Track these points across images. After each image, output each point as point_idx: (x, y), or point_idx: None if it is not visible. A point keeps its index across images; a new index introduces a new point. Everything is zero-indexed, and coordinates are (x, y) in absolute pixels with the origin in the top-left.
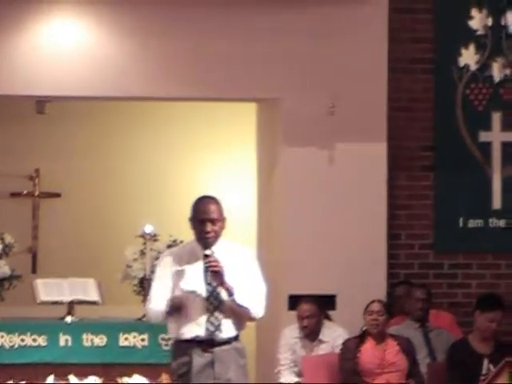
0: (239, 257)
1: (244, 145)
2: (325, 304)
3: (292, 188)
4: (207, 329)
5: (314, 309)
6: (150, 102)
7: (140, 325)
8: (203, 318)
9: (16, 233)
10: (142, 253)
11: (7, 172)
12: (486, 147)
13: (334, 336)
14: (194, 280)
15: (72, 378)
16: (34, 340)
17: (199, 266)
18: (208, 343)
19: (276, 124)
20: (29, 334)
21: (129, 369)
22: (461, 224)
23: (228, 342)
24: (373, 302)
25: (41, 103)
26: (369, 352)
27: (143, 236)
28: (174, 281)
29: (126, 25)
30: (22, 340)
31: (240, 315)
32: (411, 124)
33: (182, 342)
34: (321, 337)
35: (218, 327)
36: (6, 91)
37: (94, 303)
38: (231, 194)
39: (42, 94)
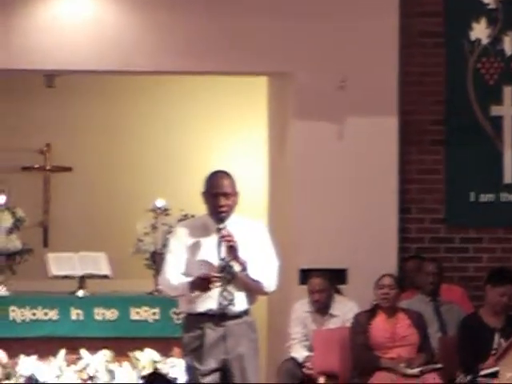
0: (251, 232)
1: (255, 119)
2: (336, 278)
3: (303, 162)
4: (220, 303)
5: (325, 283)
6: (159, 75)
7: (151, 299)
8: (216, 292)
9: (27, 207)
10: (154, 227)
11: (18, 146)
12: (498, 121)
13: (344, 310)
14: (207, 253)
15: (83, 352)
16: (46, 314)
17: (212, 239)
18: (220, 317)
19: (287, 98)
20: (40, 307)
21: (140, 343)
22: (472, 198)
23: (240, 316)
24: (384, 276)
25: (50, 77)
26: (380, 326)
27: (154, 210)
28: (187, 253)
29: None
30: (34, 314)
31: (252, 289)
32: (422, 98)
33: (193, 315)
34: (331, 311)
35: (230, 301)
36: (15, 66)
37: (105, 277)
38: (242, 169)
39: (50, 68)
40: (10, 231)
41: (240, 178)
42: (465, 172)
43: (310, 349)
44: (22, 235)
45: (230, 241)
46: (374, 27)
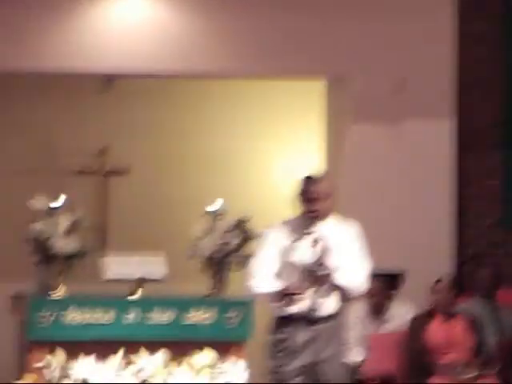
0: (345, 234)
1: (312, 123)
2: (392, 281)
3: (360, 166)
4: (310, 305)
5: (382, 286)
6: (218, 79)
7: (207, 302)
8: (307, 295)
9: (85, 209)
10: (209, 230)
11: (76, 149)
12: None
13: (400, 313)
14: (299, 256)
15: (140, 355)
16: (102, 316)
17: (304, 242)
18: (310, 319)
19: (345, 102)
20: (97, 310)
21: (196, 345)
22: None
23: (329, 319)
24: (440, 280)
25: (108, 80)
26: (435, 330)
27: (210, 213)
28: (278, 256)
29: (195, 0)
30: (90, 316)
31: (342, 294)
32: (480, 101)
33: (283, 317)
34: (388, 314)
35: (321, 304)
36: (73, 69)
37: (161, 280)
38: (298, 173)
39: (109, 71)
40: (68, 233)
41: (297, 183)
42: None
43: (366, 352)
44: (80, 238)
45: (322, 245)
46: (430, 29)
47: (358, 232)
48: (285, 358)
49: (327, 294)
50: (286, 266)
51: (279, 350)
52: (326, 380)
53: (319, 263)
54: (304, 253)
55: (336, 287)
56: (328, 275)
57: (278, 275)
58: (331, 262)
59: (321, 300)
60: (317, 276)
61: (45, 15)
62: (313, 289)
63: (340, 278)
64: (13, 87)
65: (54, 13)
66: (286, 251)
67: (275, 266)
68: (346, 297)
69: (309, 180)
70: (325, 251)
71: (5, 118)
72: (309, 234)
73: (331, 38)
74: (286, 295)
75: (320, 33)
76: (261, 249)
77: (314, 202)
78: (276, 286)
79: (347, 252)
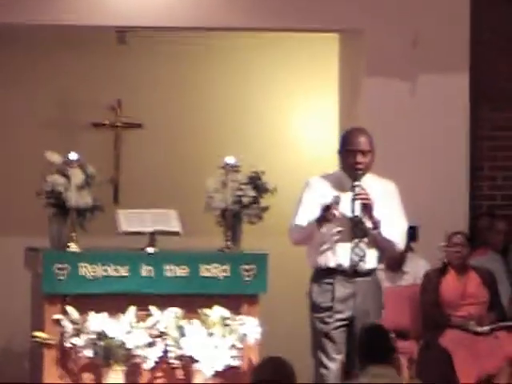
0: (384, 191)
1: (325, 77)
2: (407, 235)
3: (374, 120)
4: (351, 259)
5: None
6: (229, 32)
7: (221, 256)
8: (348, 248)
9: (98, 164)
10: (224, 184)
11: (89, 102)
12: None
13: (416, 267)
14: (342, 209)
15: (153, 309)
16: (116, 271)
17: (346, 196)
18: (351, 273)
19: (359, 55)
20: (111, 264)
21: (210, 300)
22: None
23: (369, 273)
24: (455, 233)
25: (122, 33)
26: (450, 284)
27: (224, 167)
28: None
29: None
30: (104, 271)
31: (383, 248)
32: (494, 54)
33: (324, 270)
34: (403, 268)
35: (362, 258)
36: (86, 21)
37: (175, 234)
38: (313, 127)
39: (122, 24)
40: (81, 188)
41: (311, 137)
42: None
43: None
44: (93, 192)
45: (366, 199)
46: None
47: (396, 189)
48: (325, 312)
49: (368, 248)
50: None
51: (320, 302)
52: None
53: (362, 216)
54: (345, 206)
55: (377, 242)
56: (369, 229)
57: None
58: (374, 217)
59: (362, 253)
60: (360, 228)
61: None
62: (355, 241)
63: (384, 234)
64: (27, 41)
65: None
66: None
67: (314, 214)
68: (385, 252)
69: (354, 133)
70: (367, 206)
71: (18, 72)
72: (353, 187)
73: None
74: (324, 211)
75: None
76: (302, 199)
77: (359, 155)
78: (311, 218)
79: (388, 208)
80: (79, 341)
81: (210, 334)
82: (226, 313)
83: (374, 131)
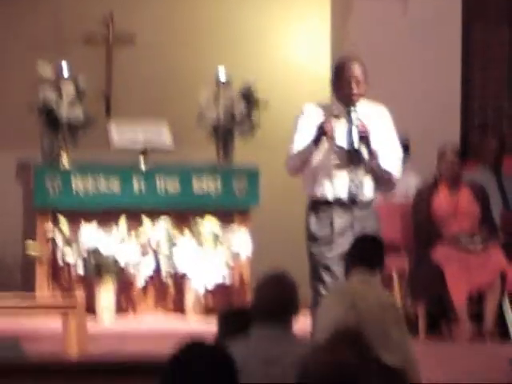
0: (378, 117)
1: None
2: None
3: (366, 39)
4: (349, 189)
5: None
6: None
7: (213, 169)
8: (345, 178)
9: (90, 78)
10: (216, 98)
11: (81, 16)
12: None
13: (408, 182)
14: (337, 137)
15: (144, 221)
16: (108, 185)
17: (342, 123)
18: (348, 204)
19: None
20: (102, 179)
21: (202, 214)
22: None
23: (366, 206)
24: (447, 148)
25: None
26: (442, 199)
27: (217, 81)
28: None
29: None
30: (96, 185)
31: (381, 179)
32: None
33: (321, 201)
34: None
35: (358, 186)
36: None
37: (167, 148)
38: (305, 46)
39: None
40: (73, 102)
41: (302, 56)
42: None
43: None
44: (85, 106)
45: (363, 132)
46: None
47: (388, 113)
48: (325, 246)
49: (365, 176)
50: (324, 149)
51: (319, 235)
52: None
53: (359, 146)
54: (341, 134)
55: (374, 172)
56: (366, 158)
57: (318, 160)
58: (371, 147)
59: (358, 182)
60: (356, 158)
61: None
62: (352, 171)
63: (381, 164)
64: None
65: None
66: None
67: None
68: (381, 183)
69: (347, 62)
70: (364, 136)
71: None
72: (347, 113)
73: None
74: (320, 128)
75: None
76: (297, 125)
77: (353, 84)
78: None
79: (382, 133)
80: (71, 258)
81: (203, 248)
82: (217, 225)
83: (366, 50)
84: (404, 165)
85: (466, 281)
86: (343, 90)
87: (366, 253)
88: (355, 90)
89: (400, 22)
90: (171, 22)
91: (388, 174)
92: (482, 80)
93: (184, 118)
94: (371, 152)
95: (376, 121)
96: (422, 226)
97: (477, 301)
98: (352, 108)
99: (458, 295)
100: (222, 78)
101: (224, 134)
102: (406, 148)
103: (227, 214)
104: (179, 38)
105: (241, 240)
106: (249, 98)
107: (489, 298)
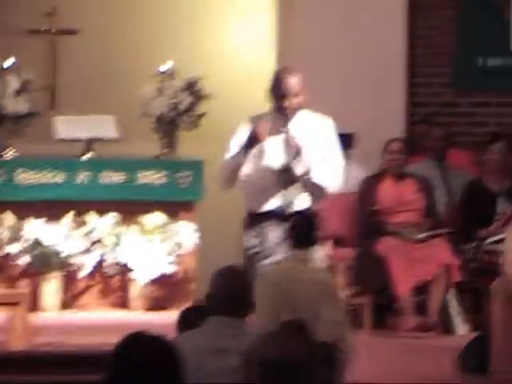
0: (319, 128)
1: None
2: (343, 142)
3: (310, 25)
4: (280, 205)
5: None
6: None
7: (158, 162)
8: (277, 194)
9: (34, 70)
10: (160, 90)
11: (26, 8)
12: None
13: (353, 174)
14: (270, 154)
15: (90, 215)
16: (52, 177)
17: (276, 140)
18: (282, 216)
19: None
20: (47, 171)
21: (147, 207)
22: (480, 63)
23: (302, 212)
24: (392, 140)
25: None
26: (387, 191)
27: (161, 73)
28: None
29: None
30: (41, 177)
31: (315, 192)
32: None
33: (255, 215)
34: None
35: (290, 203)
36: None
37: (112, 140)
38: (250, 37)
39: None
40: (17, 94)
41: (248, 46)
42: (474, 36)
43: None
44: (30, 98)
45: (295, 149)
46: None
47: (331, 126)
48: (259, 257)
49: (298, 192)
50: (259, 167)
51: (253, 248)
52: None
53: (291, 162)
54: (274, 151)
55: (310, 185)
56: (302, 174)
57: (250, 176)
58: (305, 160)
59: (290, 199)
60: (290, 175)
61: None
62: (287, 187)
63: (315, 177)
64: None
65: None
66: (259, 152)
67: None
68: (320, 194)
69: (284, 75)
70: (298, 150)
71: None
72: (281, 132)
73: None
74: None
75: None
76: (229, 146)
77: (289, 97)
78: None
79: (322, 146)
80: (14, 248)
81: (148, 241)
82: (163, 218)
83: (310, 35)
84: (348, 160)
85: (410, 273)
86: (280, 104)
87: (299, 235)
88: (288, 104)
89: (344, 7)
90: (115, 15)
91: (320, 187)
92: (428, 70)
93: (129, 110)
94: (303, 169)
95: (317, 131)
96: (367, 217)
97: (421, 293)
98: (285, 129)
99: (402, 287)
100: (167, 70)
101: (168, 126)
102: (350, 141)
103: (172, 206)
104: (123, 31)
105: (186, 232)
106: (194, 89)
107: (433, 291)
